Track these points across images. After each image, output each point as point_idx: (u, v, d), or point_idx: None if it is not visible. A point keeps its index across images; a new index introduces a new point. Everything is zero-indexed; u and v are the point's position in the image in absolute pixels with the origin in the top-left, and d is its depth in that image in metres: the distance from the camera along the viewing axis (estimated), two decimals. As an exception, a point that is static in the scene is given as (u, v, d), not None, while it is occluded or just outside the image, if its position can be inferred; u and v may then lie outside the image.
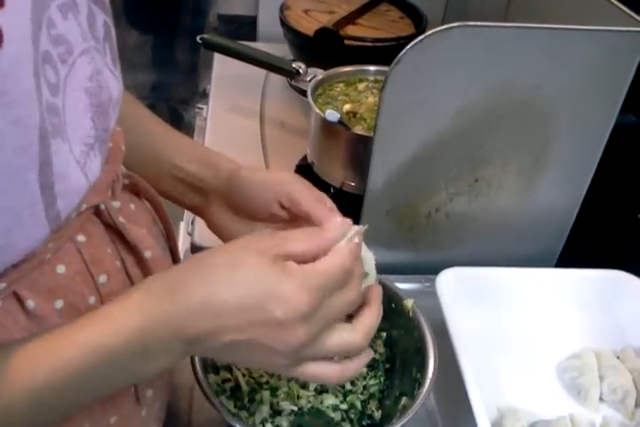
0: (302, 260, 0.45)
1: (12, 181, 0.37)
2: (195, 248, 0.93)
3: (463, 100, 0.74)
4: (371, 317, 0.49)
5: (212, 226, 0.62)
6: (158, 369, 0.44)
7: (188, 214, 1.09)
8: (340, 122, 0.88)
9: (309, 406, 0.66)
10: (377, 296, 0.51)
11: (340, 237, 0.47)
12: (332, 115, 0.87)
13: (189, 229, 1.01)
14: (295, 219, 0.57)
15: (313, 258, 0.45)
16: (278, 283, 0.43)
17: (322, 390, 0.67)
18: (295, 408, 0.65)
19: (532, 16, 1.02)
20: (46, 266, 0.44)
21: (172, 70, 2.50)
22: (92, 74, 0.43)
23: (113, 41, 0.48)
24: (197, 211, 0.63)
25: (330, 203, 0.56)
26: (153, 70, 2.52)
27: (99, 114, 0.44)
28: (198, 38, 1.05)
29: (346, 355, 0.48)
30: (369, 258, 0.53)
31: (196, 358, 0.59)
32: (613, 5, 0.77)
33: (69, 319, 0.45)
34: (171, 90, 2.49)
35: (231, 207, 0.60)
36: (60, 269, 0.44)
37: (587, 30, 0.71)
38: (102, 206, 0.48)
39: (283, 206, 0.57)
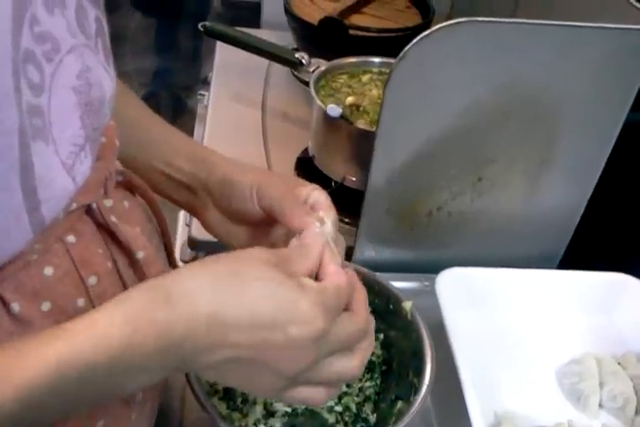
0: None
1: None
2: (192, 241, 0.91)
3: (469, 98, 0.72)
4: (368, 343, 0.47)
5: (206, 225, 0.60)
6: (140, 386, 0.41)
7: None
8: (342, 117, 0.86)
9: (303, 407, 0.65)
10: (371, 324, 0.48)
11: (322, 244, 0.46)
12: (334, 110, 0.85)
13: (187, 221, 0.99)
14: (275, 222, 0.54)
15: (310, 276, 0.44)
16: (297, 299, 0.40)
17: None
18: (289, 409, 0.64)
19: (543, 10, 1.00)
20: (33, 268, 0.42)
21: (175, 56, 2.48)
22: (80, 72, 0.41)
23: (106, 37, 0.46)
24: (189, 208, 0.61)
25: (309, 200, 0.53)
26: (156, 55, 2.50)
27: (88, 113, 0.42)
28: (200, 26, 1.03)
29: (339, 382, 0.46)
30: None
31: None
32: (625, 2, 0.75)
33: (56, 323, 0.43)
34: (174, 76, 2.47)
35: (219, 208, 0.58)
36: (48, 270, 0.43)
37: (597, 28, 0.69)
38: (94, 205, 0.46)
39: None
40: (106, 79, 0.45)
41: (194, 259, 0.98)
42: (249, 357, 0.40)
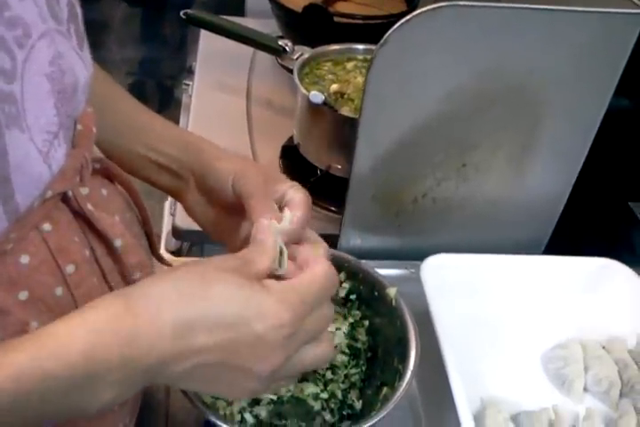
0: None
1: None
2: (176, 230, 0.91)
3: (452, 83, 0.72)
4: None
5: (187, 208, 0.60)
6: (107, 403, 0.38)
7: (172, 194, 1.07)
8: (325, 103, 0.86)
9: (289, 394, 0.64)
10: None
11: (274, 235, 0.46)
12: (316, 96, 0.85)
13: (172, 210, 0.99)
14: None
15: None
16: (258, 297, 0.40)
17: (302, 378, 0.66)
18: (274, 397, 0.64)
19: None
20: (8, 256, 0.41)
21: (161, 45, 2.46)
22: (52, 58, 0.41)
23: (79, 22, 0.46)
24: (172, 192, 0.61)
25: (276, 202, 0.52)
26: (142, 45, 2.48)
27: (62, 100, 0.42)
28: (182, 13, 1.02)
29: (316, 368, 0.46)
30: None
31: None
32: (610, -15, 0.75)
33: (35, 312, 0.43)
34: (160, 65, 2.45)
35: (200, 191, 0.58)
36: (24, 259, 0.42)
37: (581, 12, 0.69)
38: (70, 193, 0.46)
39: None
40: (79, 65, 0.45)
41: (179, 249, 0.97)
42: (220, 360, 0.40)
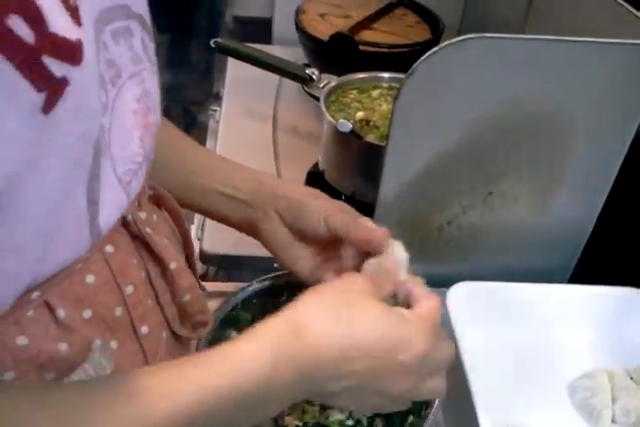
0: None
1: (65, 192, 0.37)
2: (203, 255, 0.92)
3: (478, 113, 0.73)
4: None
5: (264, 239, 0.63)
6: (267, 417, 0.46)
7: (198, 219, 1.08)
8: (352, 132, 0.87)
9: (314, 421, 0.65)
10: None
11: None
12: (344, 125, 0.86)
13: (199, 235, 1.00)
14: (340, 243, 0.60)
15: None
16: (402, 327, 0.46)
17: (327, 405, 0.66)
18: (300, 423, 0.64)
19: (552, 21, 1.00)
20: (75, 275, 0.43)
21: (187, 71, 2.50)
22: (140, 96, 0.44)
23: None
24: (246, 226, 0.64)
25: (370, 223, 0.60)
26: (169, 71, 2.52)
27: (147, 134, 0.45)
28: (212, 42, 1.05)
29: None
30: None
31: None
32: (634, 16, 0.76)
33: (95, 331, 0.45)
34: (186, 91, 2.49)
35: (292, 229, 0.62)
36: (90, 278, 0.44)
37: (606, 43, 0.69)
38: (130, 217, 0.48)
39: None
40: (158, 103, 0.48)
41: (205, 273, 0.98)
42: (367, 383, 0.46)
